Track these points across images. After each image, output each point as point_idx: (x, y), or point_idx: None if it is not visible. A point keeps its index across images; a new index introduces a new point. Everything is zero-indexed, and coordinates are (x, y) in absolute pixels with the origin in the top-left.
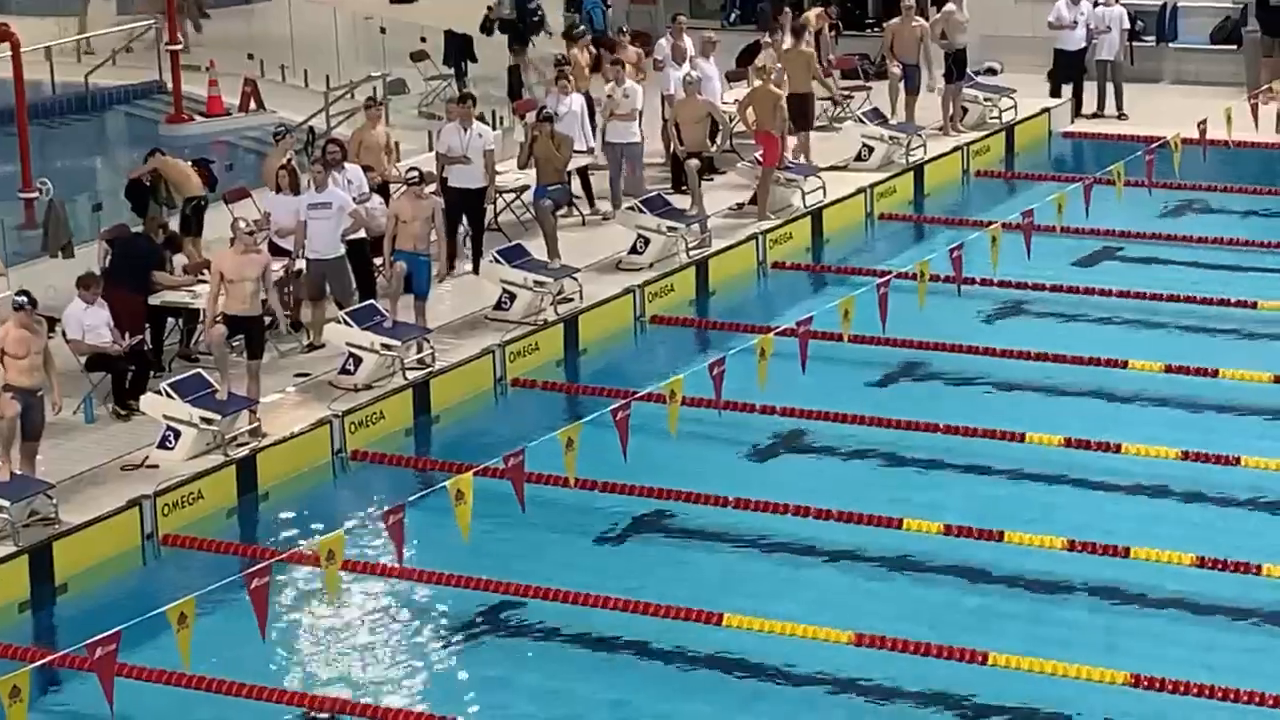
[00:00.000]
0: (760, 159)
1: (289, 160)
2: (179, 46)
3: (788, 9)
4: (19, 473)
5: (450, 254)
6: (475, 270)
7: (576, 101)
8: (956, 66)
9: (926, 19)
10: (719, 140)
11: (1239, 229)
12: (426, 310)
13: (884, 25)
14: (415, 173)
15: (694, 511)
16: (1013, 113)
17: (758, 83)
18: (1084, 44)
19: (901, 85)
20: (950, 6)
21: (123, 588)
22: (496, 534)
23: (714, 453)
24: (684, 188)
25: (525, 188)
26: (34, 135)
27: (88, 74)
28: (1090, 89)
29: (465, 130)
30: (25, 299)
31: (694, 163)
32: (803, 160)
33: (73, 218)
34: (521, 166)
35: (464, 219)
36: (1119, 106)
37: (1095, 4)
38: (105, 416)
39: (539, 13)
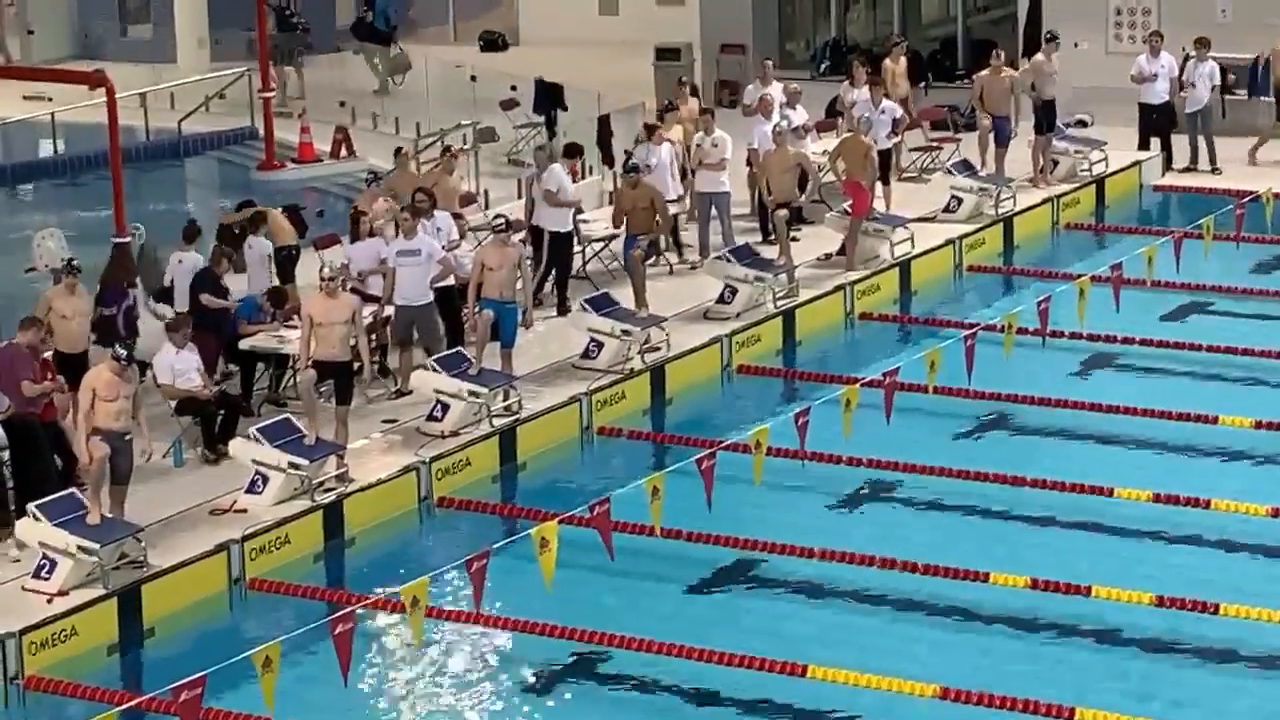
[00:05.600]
0: (849, 209)
1: (355, 206)
2: (272, 93)
3: (860, 60)
4: (109, 515)
5: (531, 303)
6: (561, 313)
7: (666, 151)
8: (1046, 118)
9: (1016, 70)
10: (808, 190)
11: None
12: (513, 358)
13: (973, 77)
14: (502, 220)
15: (778, 562)
16: (1103, 165)
17: (848, 133)
18: (1166, 97)
19: (991, 138)
20: (1039, 57)
21: (209, 632)
22: (581, 582)
23: (799, 503)
24: (772, 238)
25: (613, 236)
26: (128, 180)
27: (181, 120)
28: (1181, 142)
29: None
30: (125, 353)
31: (782, 213)
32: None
33: (165, 262)
34: (617, 225)
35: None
36: (1212, 161)
37: (1187, 58)
38: (194, 461)
39: (301, 24)
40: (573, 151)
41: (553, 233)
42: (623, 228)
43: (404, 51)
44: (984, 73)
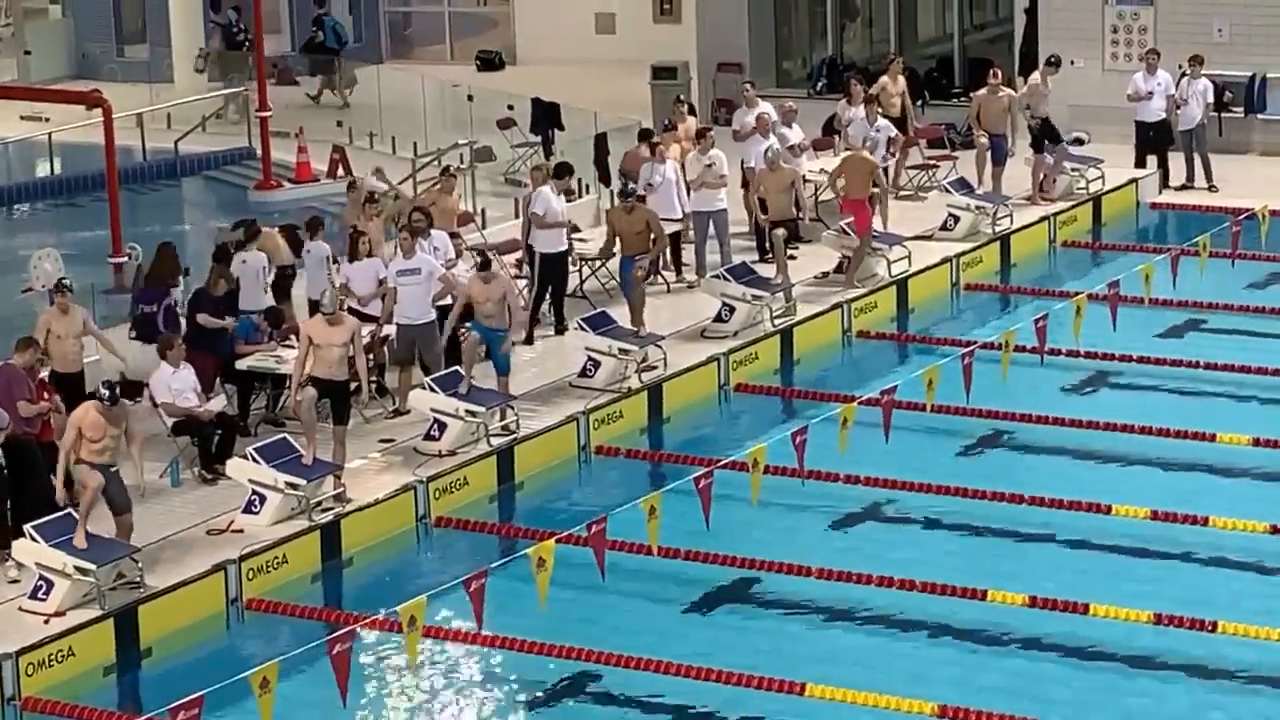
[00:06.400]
0: (848, 228)
1: (353, 226)
2: (269, 113)
3: (857, 78)
4: (101, 536)
5: (531, 323)
6: (559, 331)
7: (670, 169)
8: (1048, 135)
9: (1014, 90)
10: (801, 214)
11: None
12: (511, 375)
13: (971, 95)
14: (480, 258)
15: (776, 581)
16: (1100, 183)
17: (847, 151)
18: (1163, 115)
19: (988, 156)
20: (1036, 79)
21: (206, 652)
22: (579, 601)
23: (796, 522)
24: (769, 256)
25: (610, 256)
26: (124, 200)
27: (178, 140)
28: (1178, 160)
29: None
30: (109, 393)
31: (780, 232)
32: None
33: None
34: (609, 249)
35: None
36: (1208, 179)
37: (1183, 75)
38: (191, 481)
39: (249, 43)
40: (562, 171)
41: (544, 254)
42: (616, 248)
43: (349, 67)
44: (981, 92)
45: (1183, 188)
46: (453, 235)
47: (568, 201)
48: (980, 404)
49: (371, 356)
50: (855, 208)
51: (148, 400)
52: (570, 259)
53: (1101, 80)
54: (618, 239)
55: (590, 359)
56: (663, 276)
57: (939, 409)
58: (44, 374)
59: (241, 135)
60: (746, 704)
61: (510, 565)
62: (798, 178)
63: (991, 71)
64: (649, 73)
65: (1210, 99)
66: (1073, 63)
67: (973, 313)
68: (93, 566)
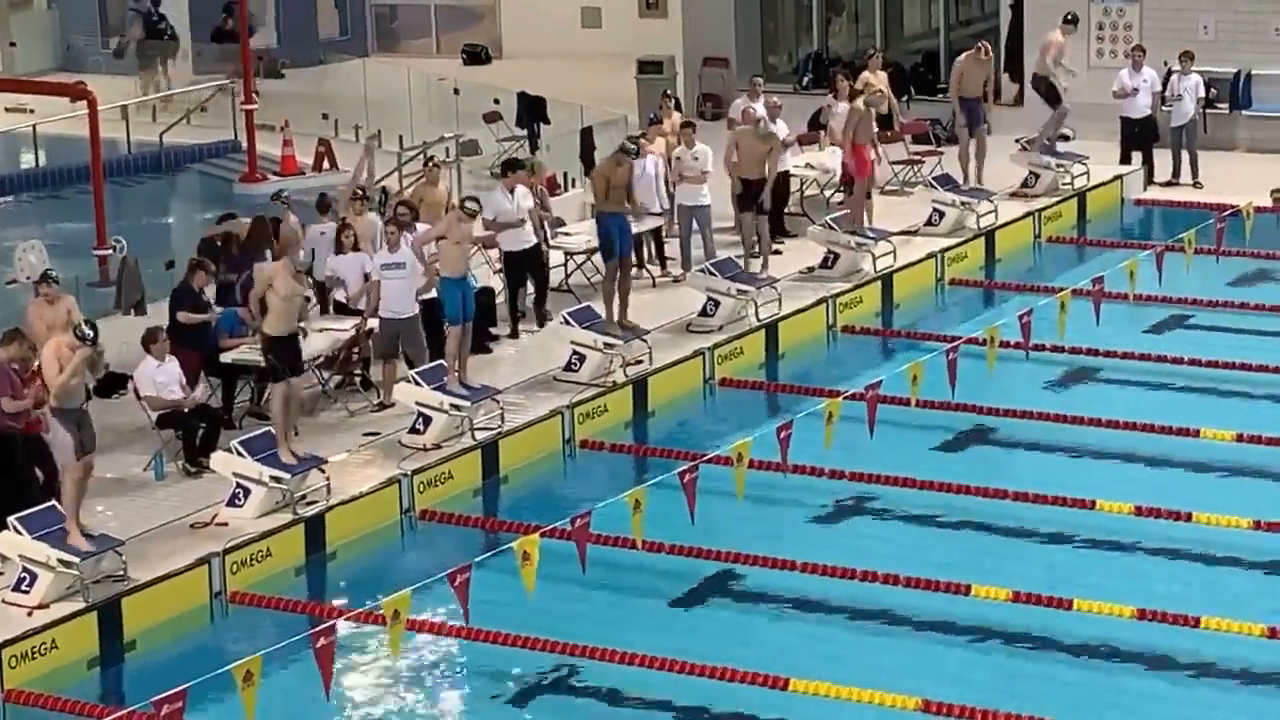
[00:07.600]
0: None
1: (341, 219)
2: (254, 106)
3: (843, 73)
4: (92, 534)
5: (514, 317)
6: (540, 324)
7: (651, 164)
8: (1052, 98)
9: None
10: (767, 178)
11: None
12: (495, 370)
13: (954, 61)
14: (474, 203)
15: (760, 575)
16: (1085, 179)
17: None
18: (1148, 111)
19: (966, 131)
20: (1058, 36)
21: (190, 645)
22: (563, 595)
23: (781, 516)
24: (755, 250)
25: (595, 250)
26: (109, 193)
27: (163, 132)
28: (1163, 156)
29: (511, 194)
30: (91, 334)
31: (764, 224)
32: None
33: (145, 276)
34: (598, 195)
35: (527, 280)
36: (1194, 175)
37: (1171, 72)
38: (175, 474)
39: (169, 31)
40: (508, 169)
41: (507, 253)
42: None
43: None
44: (962, 58)
45: (1168, 184)
46: None
47: (552, 196)
48: (965, 399)
49: (357, 350)
50: (854, 150)
51: (132, 393)
52: (543, 253)
53: (1087, 77)
54: (600, 195)
55: (575, 353)
56: (647, 270)
57: (924, 404)
58: (36, 363)
59: (227, 128)
60: (730, 698)
61: (495, 559)
62: (776, 144)
63: (979, 45)
64: (635, 67)
65: (1202, 94)
66: None
67: (958, 308)
68: (76, 559)
